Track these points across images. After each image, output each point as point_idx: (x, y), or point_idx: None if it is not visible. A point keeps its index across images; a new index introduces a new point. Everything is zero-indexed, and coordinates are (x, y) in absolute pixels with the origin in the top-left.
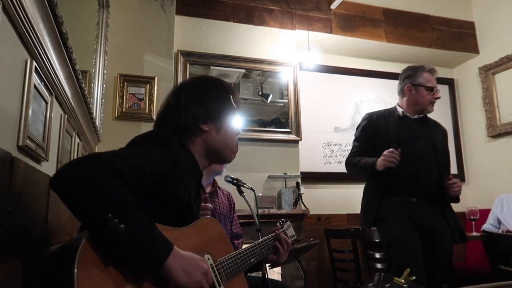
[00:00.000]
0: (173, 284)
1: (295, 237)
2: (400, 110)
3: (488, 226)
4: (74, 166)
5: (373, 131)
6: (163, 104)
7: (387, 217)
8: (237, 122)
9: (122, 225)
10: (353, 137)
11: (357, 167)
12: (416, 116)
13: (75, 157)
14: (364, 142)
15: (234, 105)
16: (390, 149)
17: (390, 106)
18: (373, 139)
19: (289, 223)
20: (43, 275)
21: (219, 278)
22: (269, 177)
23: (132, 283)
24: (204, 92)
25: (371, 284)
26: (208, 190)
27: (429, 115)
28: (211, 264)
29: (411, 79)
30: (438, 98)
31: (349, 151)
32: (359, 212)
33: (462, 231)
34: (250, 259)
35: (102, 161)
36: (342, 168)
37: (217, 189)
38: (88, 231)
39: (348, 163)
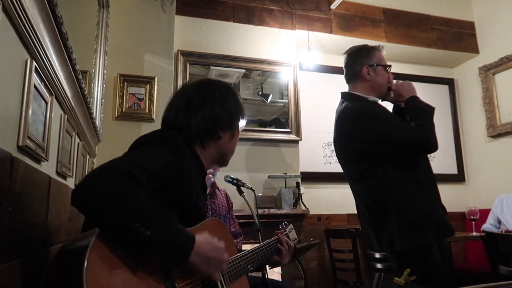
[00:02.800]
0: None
1: (297, 240)
2: (376, 99)
3: (488, 226)
4: (94, 180)
5: None
6: (176, 105)
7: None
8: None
9: (148, 232)
10: None
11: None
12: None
13: (75, 157)
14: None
15: (244, 116)
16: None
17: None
18: None
19: (291, 226)
20: (50, 271)
21: (223, 280)
22: (269, 177)
23: (142, 281)
24: (227, 98)
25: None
26: (207, 191)
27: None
28: None
29: (366, 60)
30: (392, 77)
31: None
32: None
33: None
34: (253, 262)
35: (119, 171)
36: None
37: (216, 189)
38: (111, 237)
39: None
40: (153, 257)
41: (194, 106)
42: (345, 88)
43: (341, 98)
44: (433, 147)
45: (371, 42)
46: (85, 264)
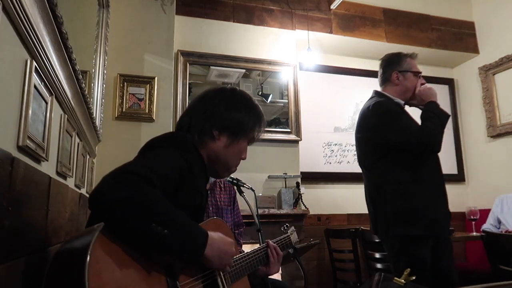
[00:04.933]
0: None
1: (298, 242)
2: (401, 102)
3: (488, 226)
4: (111, 186)
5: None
6: (188, 106)
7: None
8: (246, 150)
9: (166, 230)
10: (353, 136)
11: (439, 121)
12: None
13: (75, 157)
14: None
15: (254, 136)
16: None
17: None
18: None
19: (293, 228)
20: (52, 267)
21: (224, 280)
22: (269, 177)
23: (144, 278)
24: (240, 106)
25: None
26: (207, 187)
27: None
28: None
29: (396, 66)
30: (424, 83)
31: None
32: (359, 212)
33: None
34: (254, 263)
35: (136, 175)
36: (342, 168)
37: (217, 182)
38: (128, 239)
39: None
40: (167, 256)
41: (201, 103)
42: (345, 88)
43: (372, 95)
44: (432, 149)
45: (371, 42)
46: (87, 260)
